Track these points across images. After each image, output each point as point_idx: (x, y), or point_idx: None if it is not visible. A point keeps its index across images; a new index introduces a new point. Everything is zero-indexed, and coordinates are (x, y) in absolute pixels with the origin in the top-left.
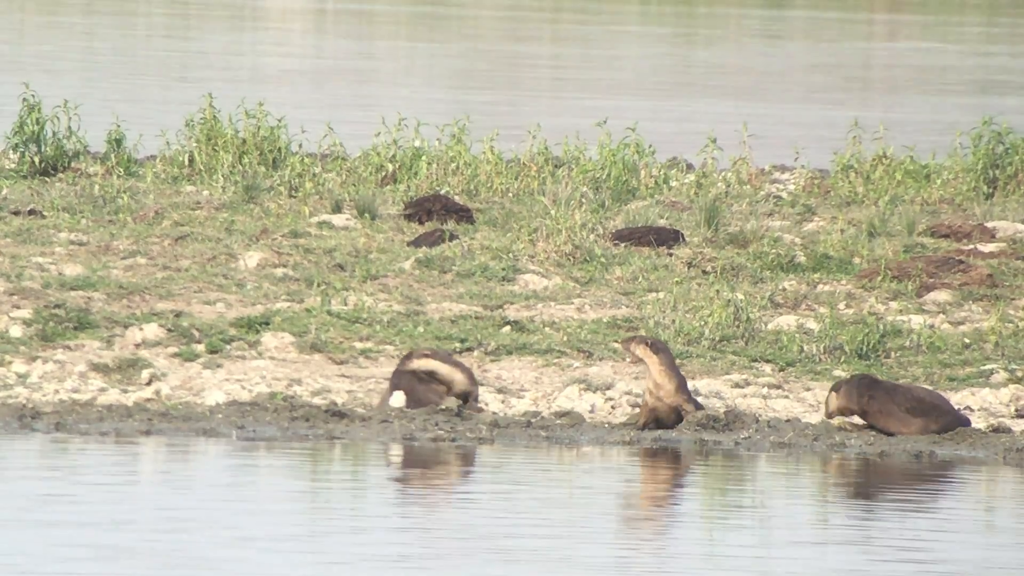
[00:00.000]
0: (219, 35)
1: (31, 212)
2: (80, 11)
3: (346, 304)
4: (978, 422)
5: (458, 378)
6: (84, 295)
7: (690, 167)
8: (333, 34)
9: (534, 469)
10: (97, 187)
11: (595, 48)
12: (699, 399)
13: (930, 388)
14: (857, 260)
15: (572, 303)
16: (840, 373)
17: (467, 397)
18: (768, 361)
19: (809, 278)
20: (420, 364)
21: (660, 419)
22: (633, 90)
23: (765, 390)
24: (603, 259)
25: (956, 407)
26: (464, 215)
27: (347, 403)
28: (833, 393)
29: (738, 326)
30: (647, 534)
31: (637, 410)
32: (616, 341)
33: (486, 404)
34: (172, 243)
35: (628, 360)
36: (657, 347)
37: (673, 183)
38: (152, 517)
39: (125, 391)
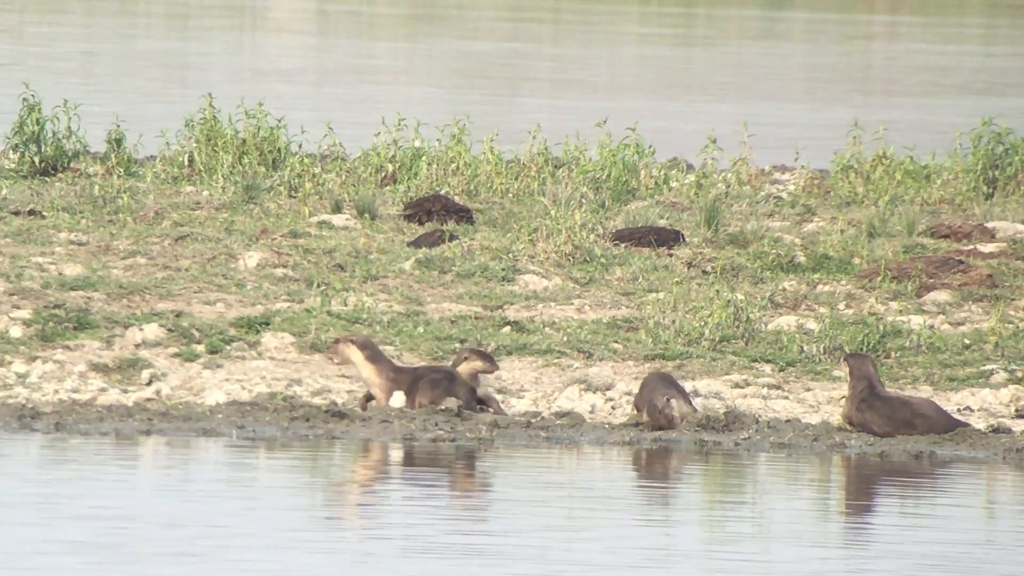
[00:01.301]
0: (219, 35)
1: (31, 212)
2: (80, 11)
3: (346, 304)
4: (978, 422)
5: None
6: (84, 295)
7: (690, 167)
8: (333, 34)
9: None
10: (97, 187)
11: (595, 48)
12: (699, 400)
13: (921, 397)
14: (857, 260)
15: (572, 303)
16: (840, 373)
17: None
18: (768, 361)
19: (809, 278)
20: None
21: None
22: (633, 90)
23: (765, 390)
24: (603, 259)
25: (954, 409)
26: (464, 215)
27: (347, 403)
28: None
29: (738, 326)
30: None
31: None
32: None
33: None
34: (172, 243)
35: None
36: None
37: (673, 183)
38: (150, 515)
39: (125, 391)
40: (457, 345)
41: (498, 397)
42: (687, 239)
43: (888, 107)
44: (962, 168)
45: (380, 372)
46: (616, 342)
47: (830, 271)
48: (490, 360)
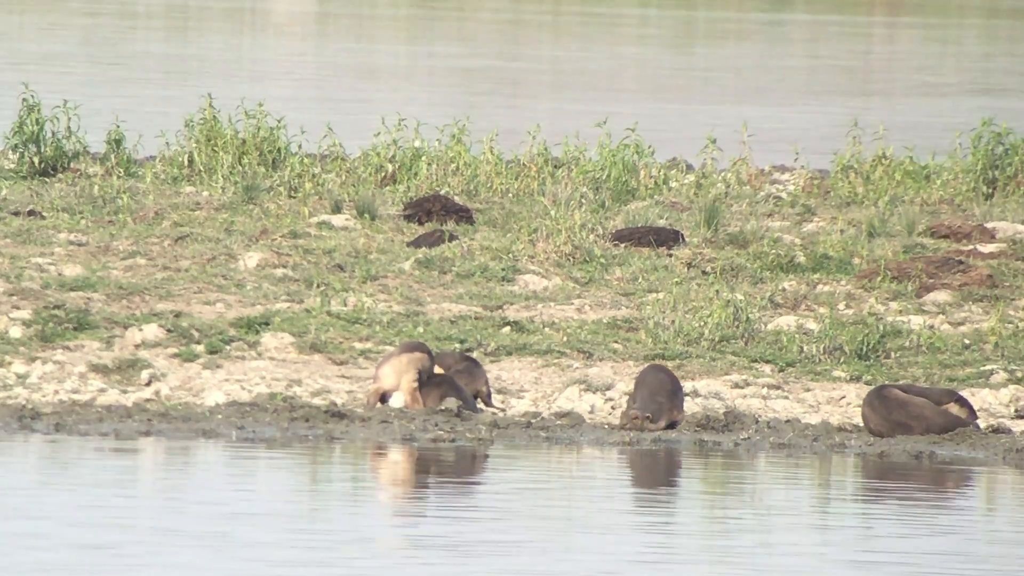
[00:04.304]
0: (219, 36)
1: (31, 213)
2: (80, 11)
3: (346, 304)
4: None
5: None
6: (84, 295)
7: (690, 167)
8: (333, 35)
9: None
10: (97, 187)
11: (595, 49)
12: (698, 399)
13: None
14: (857, 260)
15: (572, 303)
16: (840, 373)
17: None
18: (768, 361)
19: (809, 278)
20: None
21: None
22: (633, 90)
23: (765, 390)
24: (603, 259)
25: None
26: (464, 215)
27: (347, 403)
28: None
29: (738, 326)
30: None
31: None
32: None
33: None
34: (172, 243)
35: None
36: (653, 418)
37: (673, 183)
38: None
39: (125, 392)
40: (457, 345)
41: (497, 397)
42: (687, 239)
43: (888, 107)
44: (962, 168)
45: None
46: (616, 342)
47: (830, 271)
48: None
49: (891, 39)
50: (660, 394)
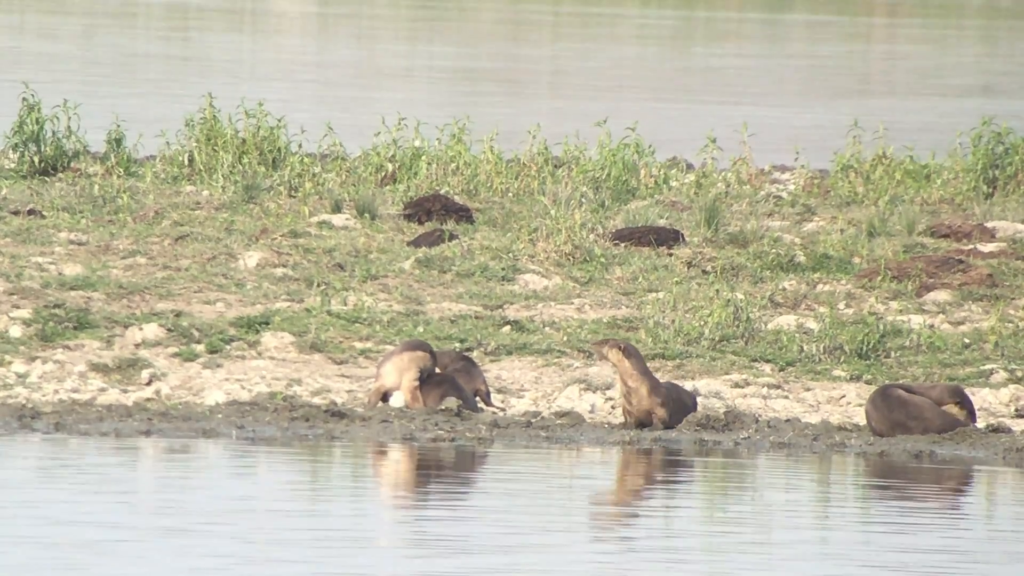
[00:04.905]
0: (219, 35)
1: (31, 212)
2: (80, 11)
3: (346, 304)
4: (978, 422)
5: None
6: (84, 295)
7: (690, 167)
8: (333, 35)
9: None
10: (97, 187)
11: (595, 48)
12: (699, 399)
13: (923, 398)
14: (857, 260)
15: (572, 303)
16: (840, 373)
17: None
18: (768, 361)
19: (809, 278)
20: None
21: (640, 421)
22: (633, 90)
23: (765, 390)
24: (603, 259)
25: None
26: (464, 215)
27: (347, 403)
28: None
29: (738, 326)
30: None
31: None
32: (588, 344)
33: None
34: (172, 243)
35: (598, 361)
36: (629, 351)
37: (673, 183)
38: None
39: (125, 391)
40: (457, 344)
41: (497, 396)
42: (687, 239)
43: (888, 107)
44: (962, 168)
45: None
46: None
47: (830, 271)
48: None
49: (891, 39)
50: (682, 394)
